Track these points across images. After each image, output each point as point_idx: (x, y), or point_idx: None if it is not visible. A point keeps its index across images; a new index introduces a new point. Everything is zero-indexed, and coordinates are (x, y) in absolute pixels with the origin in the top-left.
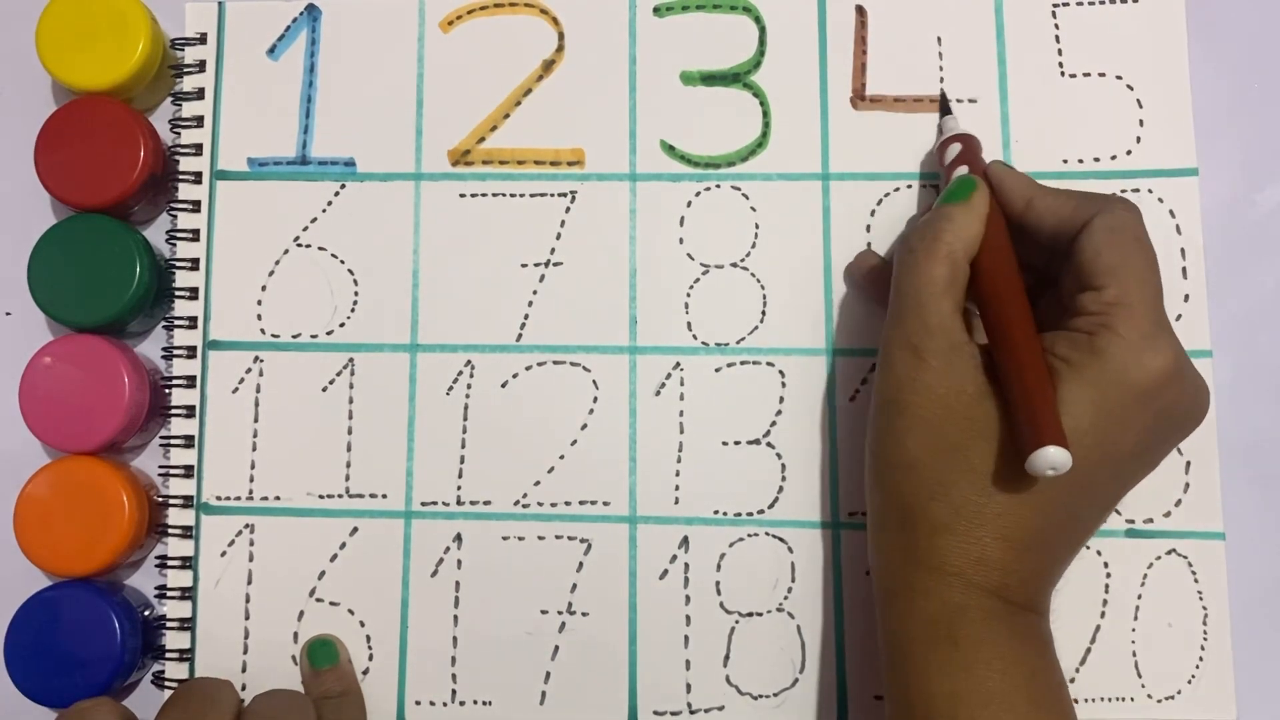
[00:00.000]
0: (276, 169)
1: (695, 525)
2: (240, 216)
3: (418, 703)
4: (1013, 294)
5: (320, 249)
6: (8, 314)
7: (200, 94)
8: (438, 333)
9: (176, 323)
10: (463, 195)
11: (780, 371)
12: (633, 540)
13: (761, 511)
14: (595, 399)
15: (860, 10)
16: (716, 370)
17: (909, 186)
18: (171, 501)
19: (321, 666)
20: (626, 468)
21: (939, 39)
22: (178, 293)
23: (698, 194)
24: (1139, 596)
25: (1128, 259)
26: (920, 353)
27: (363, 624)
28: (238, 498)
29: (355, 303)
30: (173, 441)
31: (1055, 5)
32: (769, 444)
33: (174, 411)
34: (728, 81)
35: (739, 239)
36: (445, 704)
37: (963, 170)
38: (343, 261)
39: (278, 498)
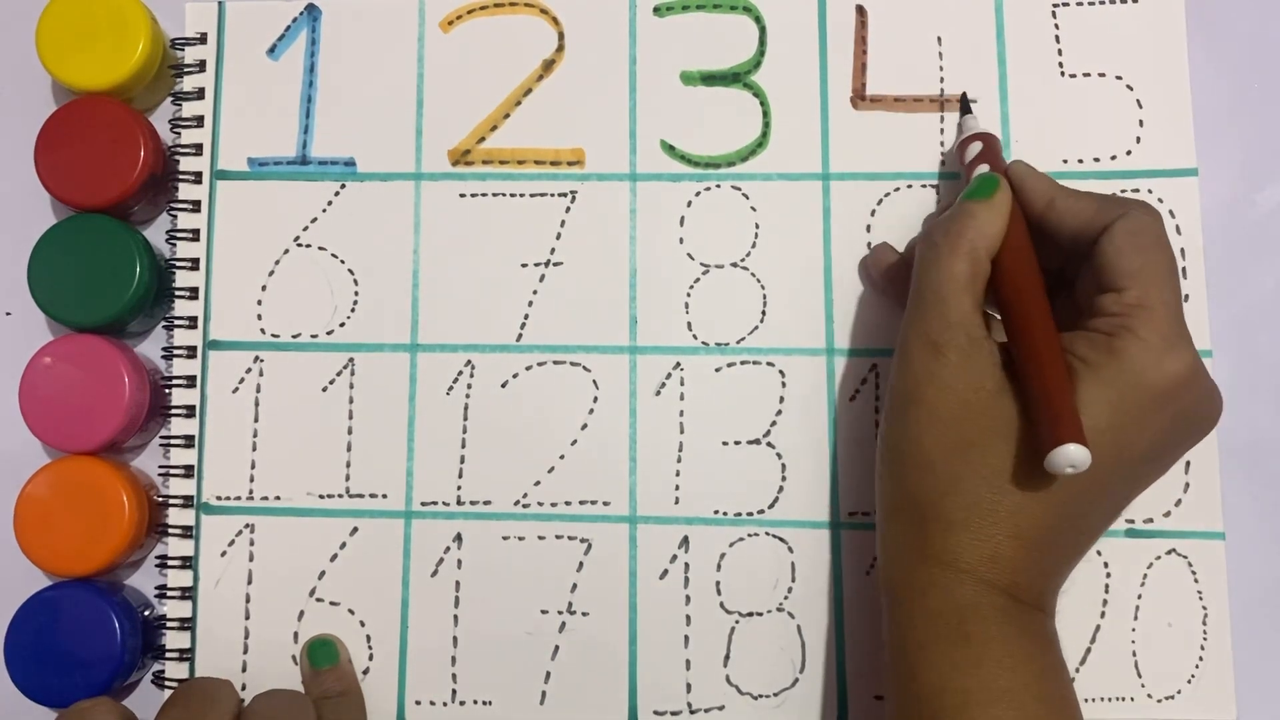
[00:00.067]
0: (277, 169)
1: (695, 525)
2: (240, 216)
3: (418, 703)
4: (1033, 292)
5: (320, 249)
6: (8, 314)
7: (200, 94)
8: (438, 333)
9: (176, 323)
10: (463, 195)
11: (780, 371)
12: (633, 540)
13: (762, 511)
14: (595, 399)
15: (860, 10)
16: (716, 370)
17: (909, 186)
18: (171, 501)
19: (321, 666)
20: (626, 468)
21: (939, 39)
22: (178, 293)
23: (698, 194)
24: (1139, 596)
25: (1149, 262)
26: (939, 348)
27: (363, 624)
28: (238, 498)
29: (355, 303)
30: (173, 441)
31: (1055, 5)
32: (769, 444)
33: (174, 411)
34: (728, 81)
35: (739, 239)
36: (445, 704)
37: (984, 168)
38: (343, 261)
39: (278, 498)
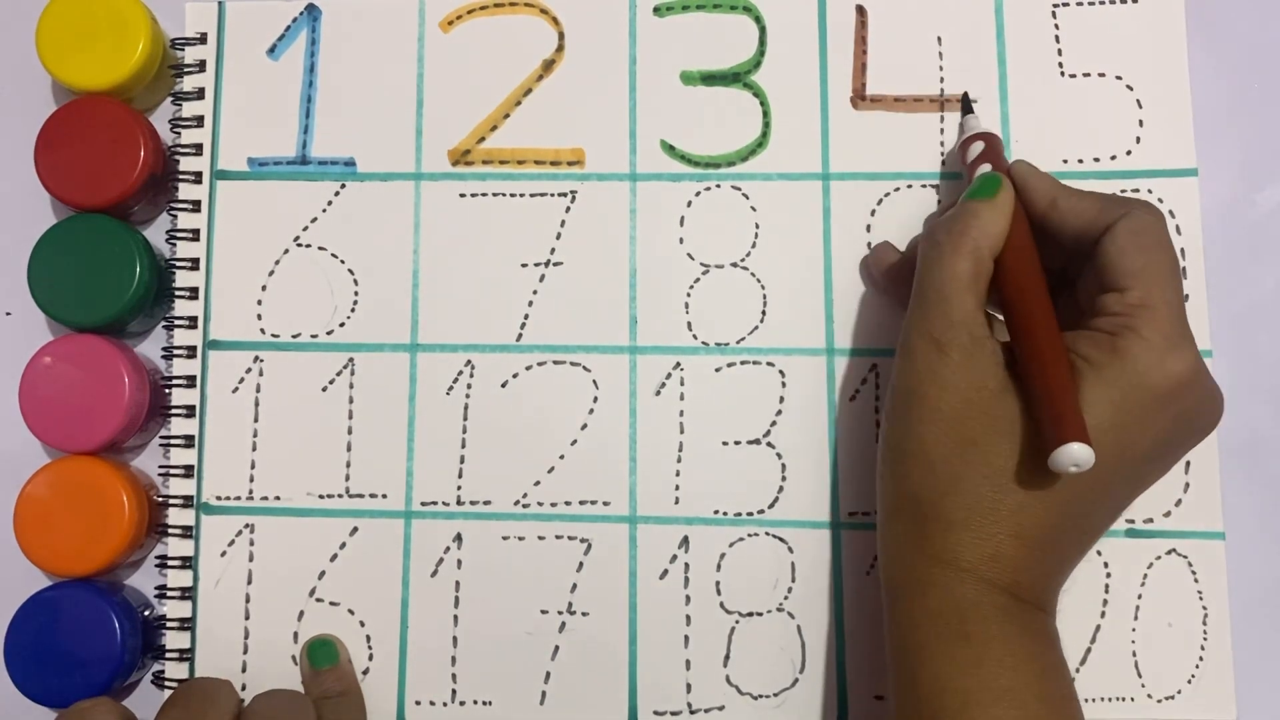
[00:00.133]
0: (276, 169)
1: (695, 525)
2: (240, 216)
3: (418, 703)
4: (1036, 291)
5: (320, 249)
6: (8, 314)
7: (200, 94)
8: (438, 333)
9: (176, 323)
10: (463, 195)
11: (780, 371)
12: (633, 540)
13: (761, 511)
14: (595, 399)
15: (860, 10)
16: (716, 370)
17: (909, 186)
18: (171, 501)
19: (321, 666)
20: (626, 468)
21: (939, 39)
22: (178, 293)
23: (698, 194)
24: (1139, 596)
25: (1152, 262)
26: (942, 346)
27: (363, 624)
28: (238, 498)
29: (355, 303)
30: (173, 441)
31: (1055, 5)
32: (769, 444)
33: (174, 411)
34: (728, 81)
35: (739, 239)
36: (445, 704)
37: (986, 168)
38: (343, 261)
39: (278, 498)
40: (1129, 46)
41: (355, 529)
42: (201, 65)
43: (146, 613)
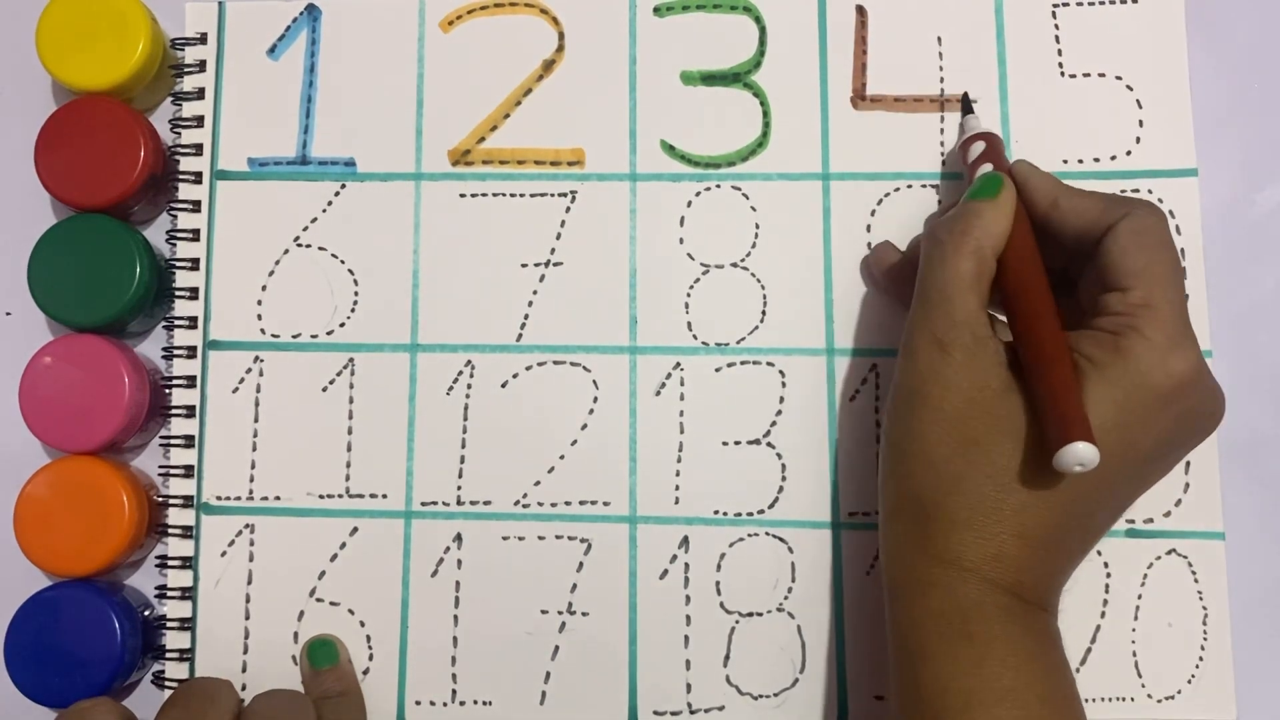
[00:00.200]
0: (276, 169)
1: (695, 525)
2: (240, 216)
3: (418, 703)
4: (1039, 291)
5: (320, 249)
6: (8, 314)
7: (200, 94)
8: (438, 333)
9: (176, 323)
10: (463, 195)
11: (780, 371)
12: (633, 540)
13: (761, 511)
14: (595, 399)
15: (860, 10)
16: (716, 370)
17: (909, 186)
18: (171, 501)
19: (321, 666)
20: (626, 468)
21: (939, 39)
22: (178, 293)
23: (698, 194)
24: (1139, 596)
25: (1154, 262)
26: (945, 346)
27: (363, 624)
28: (238, 498)
29: (355, 303)
30: (173, 441)
31: (1055, 5)
32: (769, 444)
33: (174, 411)
34: (728, 81)
35: (739, 239)
36: (445, 704)
37: (987, 168)
38: (343, 261)
39: (278, 498)
40: (1129, 46)
41: (355, 529)
42: (201, 65)
43: (146, 613)
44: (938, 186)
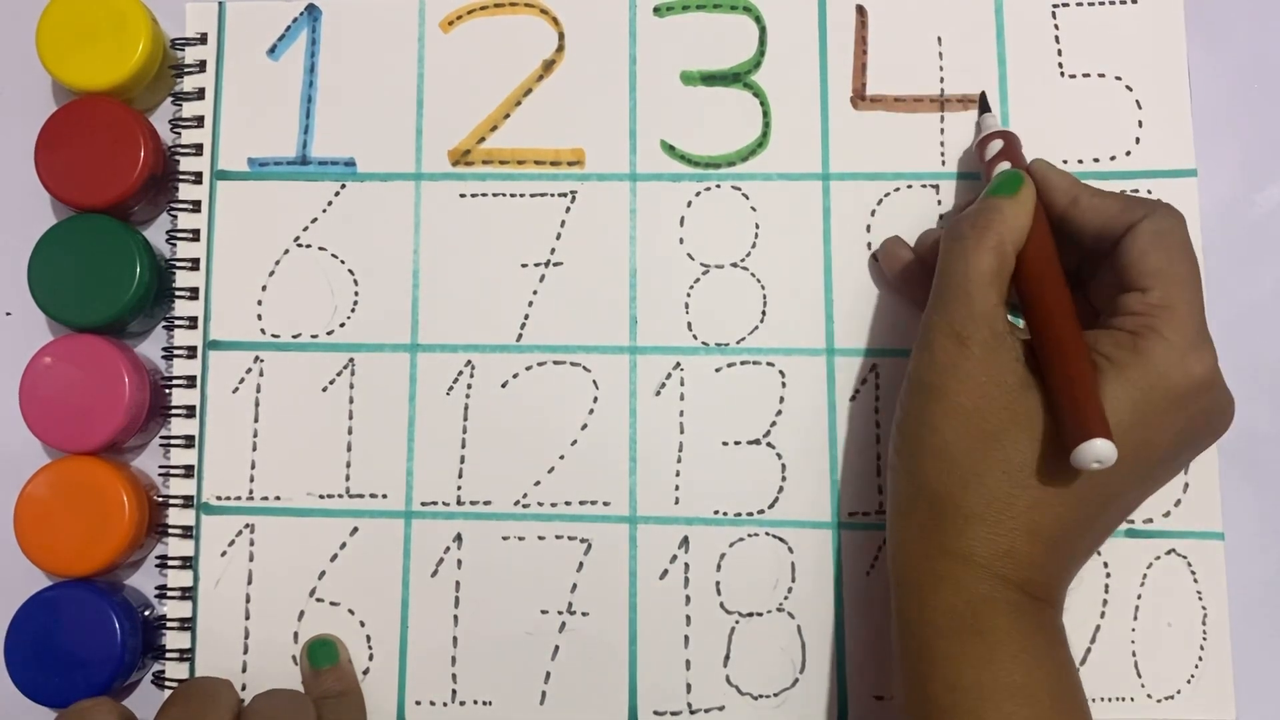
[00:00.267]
0: (277, 169)
1: (695, 525)
2: (240, 216)
3: (418, 703)
4: (1057, 289)
5: (320, 249)
6: (8, 314)
7: (200, 94)
8: (438, 333)
9: (176, 323)
10: (463, 195)
11: (780, 371)
12: (633, 540)
13: (761, 511)
14: (595, 399)
15: (860, 10)
16: (716, 370)
17: (909, 186)
18: (171, 501)
19: (321, 666)
20: (626, 468)
21: (939, 39)
22: (178, 293)
23: (698, 194)
24: (1139, 596)
25: (1173, 263)
26: (964, 340)
27: (363, 624)
28: (238, 498)
29: (355, 303)
30: (173, 441)
31: (1055, 5)
32: (769, 444)
33: (174, 411)
34: (728, 81)
35: (739, 239)
36: (445, 704)
37: (1005, 166)
38: (343, 261)
39: (278, 498)
40: (1129, 47)
41: (355, 529)
42: (201, 65)
43: (146, 613)
44: (937, 187)
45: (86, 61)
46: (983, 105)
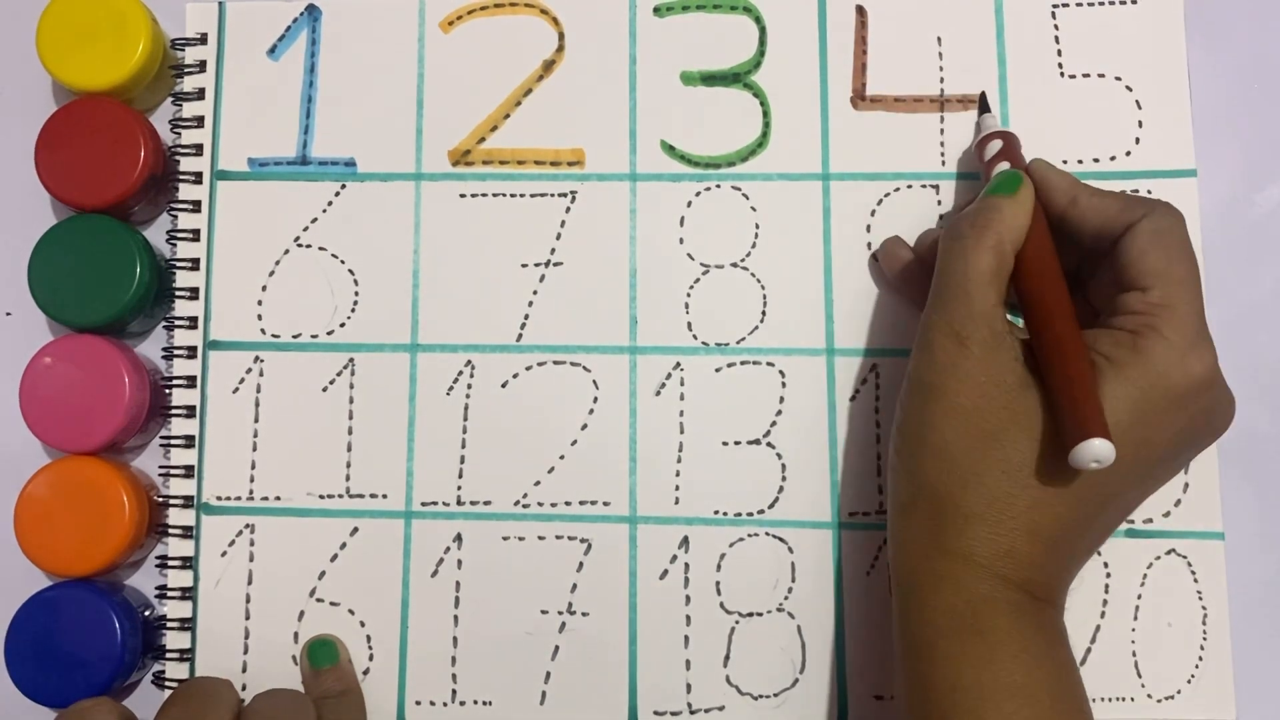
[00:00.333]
0: (277, 169)
1: (695, 525)
2: (240, 216)
3: (418, 703)
4: (1056, 288)
5: (320, 249)
6: (8, 314)
7: (200, 94)
8: (438, 333)
9: (177, 323)
10: (463, 195)
11: (780, 371)
12: (633, 540)
13: (762, 511)
14: (595, 399)
15: (860, 10)
16: (716, 370)
17: (909, 186)
18: (171, 501)
19: (321, 666)
20: (626, 468)
21: (939, 39)
22: (178, 293)
23: (698, 194)
24: (1139, 596)
25: (1173, 263)
26: (963, 339)
27: (363, 624)
28: (238, 498)
29: (355, 303)
30: (173, 441)
31: (1055, 6)
32: (769, 444)
33: (174, 411)
34: (728, 81)
35: (739, 239)
36: (445, 704)
37: (1004, 166)
38: (343, 261)
39: (278, 498)
40: (1128, 47)
41: (355, 529)
42: (202, 65)
43: (147, 613)
44: (937, 187)
45: (86, 61)
46: (982, 105)
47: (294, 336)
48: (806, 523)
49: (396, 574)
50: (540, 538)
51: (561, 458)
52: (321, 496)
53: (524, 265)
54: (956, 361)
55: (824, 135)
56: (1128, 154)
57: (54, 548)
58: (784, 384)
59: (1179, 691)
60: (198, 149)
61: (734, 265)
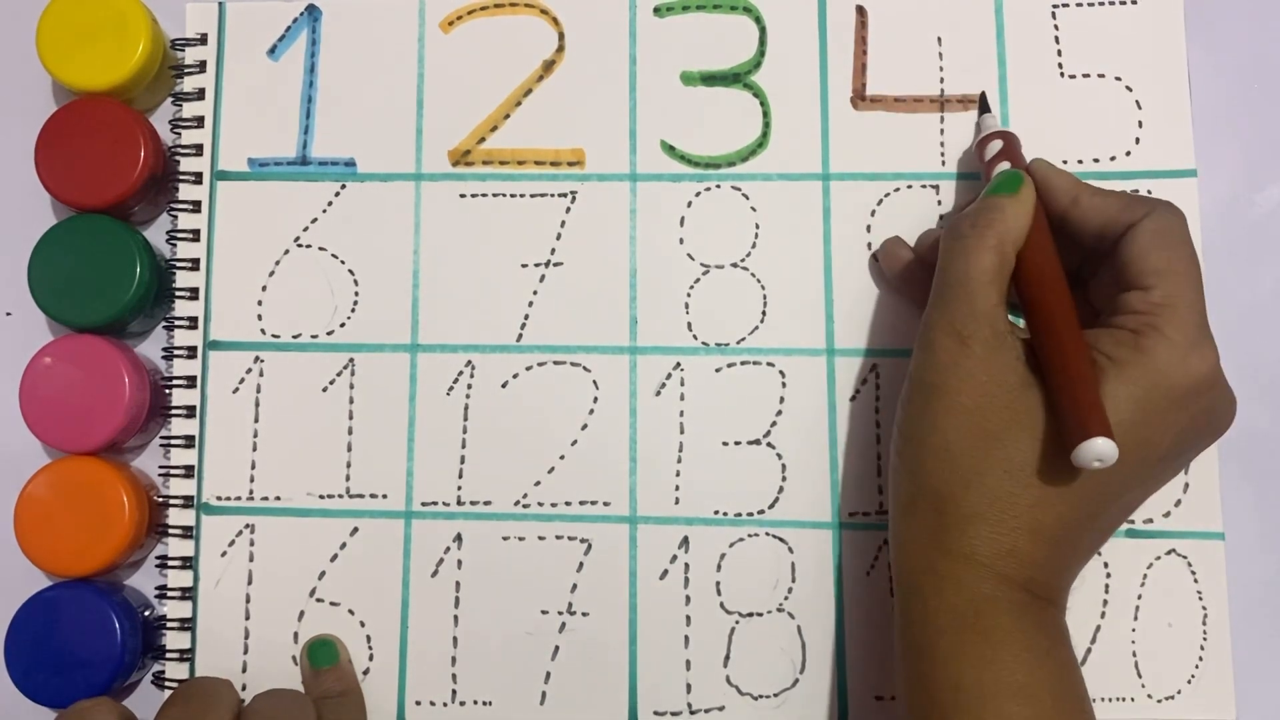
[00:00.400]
0: (277, 169)
1: (695, 525)
2: (240, 216)
3: (418, 703)
4: (1057, 288)
5: (320, 249)
6: (8, 314)
7: (200, 94)
8: (438, 333)
9: (177, 323)
10: (463, 195)
11: (780, 371)
12: (633, 540)
13: (762, 511)
14: (595, 399)
15: (860, 10)
16: (716, 370)
17: (909, 186)
18: (172, 501)
19: (321, 666)
20: (627, 468)
21: (939, 39)
22: (178, 293)
23: (698, 194)
24: (1139, 596)
25: (1175, 262)
26: (965, 339)
27: (363, 624)
28: (238, 498)
29: (355, 303)
30: (173, 441)
31: (1055, 6)
32: (769, 444)
33: (174, 411)
34: (728, 81)
35: (739, 239)
36: (445, 704)
37: (1005, 165)
38: (343, 261)
39: (278, 498)
40: (1128, 47)
41: (355, 529)
42: (202, 65)
43: (146, 613)
44: (937, 187)
45: (86, 61)
46: (983, 105)
47: (294, 336)
48: (806, 523)
49: (396, 574)
50: (540, 538)
51: (561, 458)
52: (321, 496)
53: (524, 265)
54: (958, 361)
55: (824, 135)
56: (1128, 154)
57: (54, 548)
58: (784, 384)
59: (1179, 691)
60: (198, 149)
61: (734, 265)
